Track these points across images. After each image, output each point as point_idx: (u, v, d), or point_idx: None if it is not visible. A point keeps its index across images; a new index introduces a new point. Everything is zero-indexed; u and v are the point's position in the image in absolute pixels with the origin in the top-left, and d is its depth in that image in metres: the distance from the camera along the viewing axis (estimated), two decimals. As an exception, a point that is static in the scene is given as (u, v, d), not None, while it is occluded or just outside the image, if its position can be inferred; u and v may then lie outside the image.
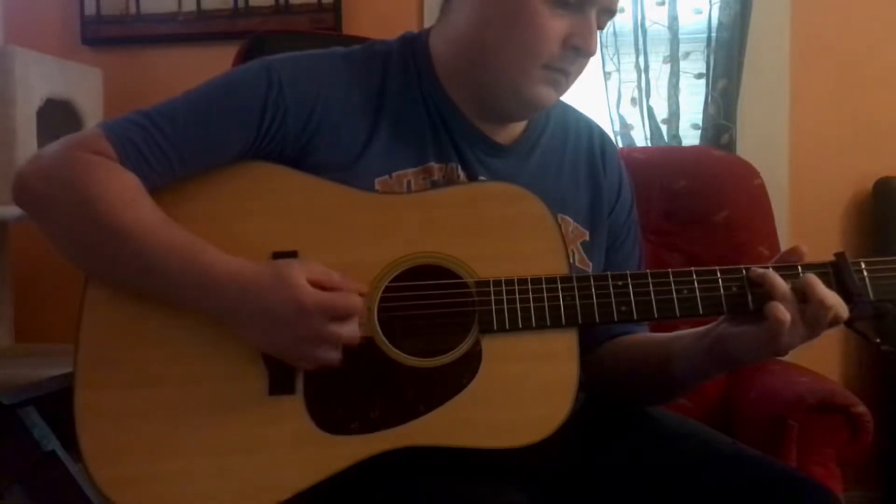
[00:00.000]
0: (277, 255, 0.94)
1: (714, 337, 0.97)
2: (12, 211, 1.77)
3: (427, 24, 1.17)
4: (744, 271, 0.94)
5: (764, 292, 0.92)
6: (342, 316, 0.88)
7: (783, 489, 0.94)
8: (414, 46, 1.07)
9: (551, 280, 0.94)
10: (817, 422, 1.36)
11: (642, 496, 0.99)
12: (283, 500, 0.89)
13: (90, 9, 2.31)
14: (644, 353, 1.07)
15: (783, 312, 0.90)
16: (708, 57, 2.07)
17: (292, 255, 0.94)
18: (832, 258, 0.95)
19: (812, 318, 0.91)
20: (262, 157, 0.98)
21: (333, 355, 0.89)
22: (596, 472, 1.02)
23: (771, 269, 0.93)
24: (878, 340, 0.95)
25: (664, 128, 2.11)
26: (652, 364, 1.05)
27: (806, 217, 2.09)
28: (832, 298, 0.91)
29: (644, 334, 1.12)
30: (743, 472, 0.96)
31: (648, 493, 0.98)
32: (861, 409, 1.35)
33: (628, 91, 2.12)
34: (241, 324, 0.90)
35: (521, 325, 0.93)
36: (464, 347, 0.93)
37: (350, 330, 0.88)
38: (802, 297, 0.91)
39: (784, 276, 0.93)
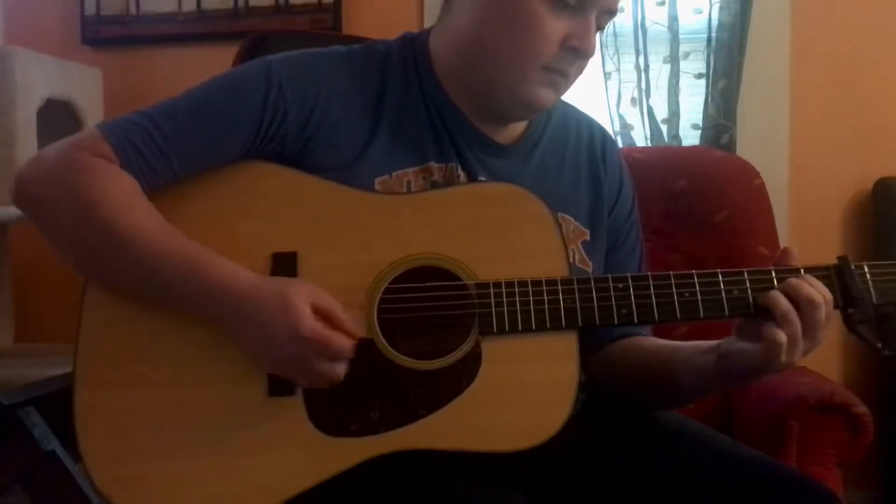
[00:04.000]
0: (277, 256, 0.94)
1: (721, 353, 0.96)
2: (12, 212, 1.76)
3: (427, 24, 1.17)
4: (745, 274, 0.94)
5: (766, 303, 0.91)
6: (333, 356, 0.87)
7: (783, 489, 0.94)
8: (414, 47, 1.07)
9: (551, 282, 0.94)
10: (817, 422, 1.37)
11: (643, 496, 0.98)
12: (282, 501, 0.89)
13: (90, 9, 2.32)
14: (648, 361, 1.07)
15: (780, 335, 0.89)
16: (708, 57, 2.07)
17: (292, 255, 0.94)
18: (835, 261, 0.95)
19: (809, 325, 0.90)
20: (262, 156, 0.98)
21: (317, 384, 0.89)
22: (596, 472, 1.02)
23: (776, 291, 0.91)
24: (879, 345, 0.94)
25: (664, 128, 2.11)
26: (656, 373, 1.04)
27: (806, 217, 2.09)
28: (818, 295, 0.90)
29: (647, 339, 1.12)
30: (743, 472, 0.96)
31: (649, 493, 0.98)
32: (861, 409, 1.35)
33: (628, 91, 2.12)
34: (235, 333, 0.90)
35: (520, 328, 0.92)
36: (464, 350, 0.92)
37: (337, 371, 0.88)
38: (797, 305, 0.90)
39: (782, 280, 0.92)
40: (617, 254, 1.14)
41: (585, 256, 1.09)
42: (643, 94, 2.10)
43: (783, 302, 0.90)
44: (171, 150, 0.94)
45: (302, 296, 0.87)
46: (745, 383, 0.99)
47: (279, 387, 0.91)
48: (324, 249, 0.94)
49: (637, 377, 1.07)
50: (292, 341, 0.86)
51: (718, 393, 1.05)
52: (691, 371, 1.00)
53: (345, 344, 0.87)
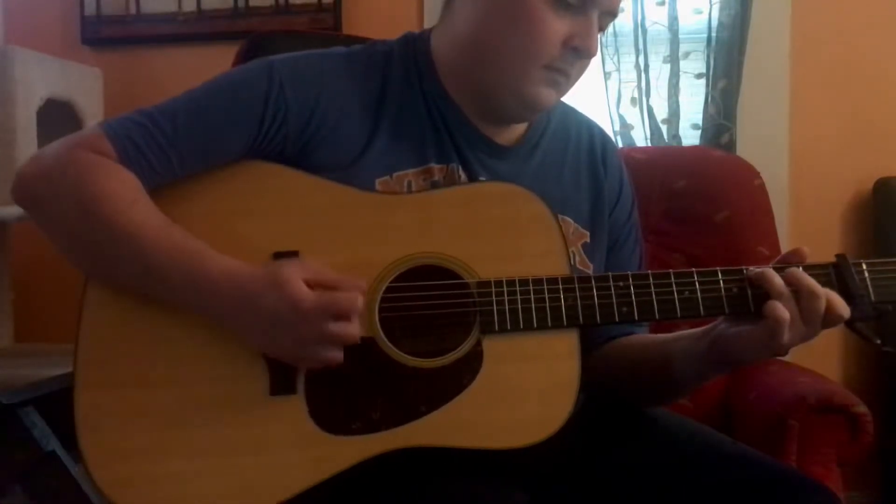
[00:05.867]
0: (278, 256, 0.94)
1: (713, 338, 0.97)
2: (12, 211, 1.77)
3: (427, 25, 1.17)
4: (744, 271, 0.94)
5: (763, 292, 0.92)
6: (342, 315, 0.87)
7: (783, 489, 0.94)
8: (415, 47, 1.07)
9: (552, 280, 0.94)
10: (817, 422, 1.36)
11: (643, 496, 0.99)
12: (284, 500, 0.89)
13: (90, 9, 2.31)
14: (643, 354, 1.07)
15: (782, 310, 0.90)
16: (708, 57, 2.07)
17: (293, 255, 0.94)
18: (833, 259, 0.95)
19: (808, 314, 0.91)
20: (262, 156, 0.98)
21: (335, 354, 0.88)
22: (597, 472, 1.02)
23: (769, 268, 0.93)
24: (878, 341, 0.95)
25: (664, 128, 2.11)
26: (651, 365, 1.05)
27: (806, 217, 2.09)
28: (822, 289, 0.91)
29: (641, 335, 1.12)
30: (743, 472, 0.96)
31: (649, 492, 0.98)
32: (861, 409, 1.35)
33: (628, 91, 2.12)
34: (241, 327, 0.90)
35: (522, 326, 0.93)
36: (465, 348, 0.93)
37: (351, 328, 0.88)
38: (797, 293, 0.91)
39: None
40: (616, 255, 1.14)
41: (586, 258, 1.09)
42: (643, 94, 2.10)
43: (779, 280, 0.91)
44: (171, 148, 0.94)
45: (293, 273, 0.87)
46: (739, 365, 1.00)
47: (280, 385, 0.91)
48: (324, 249, 0.94)
49: (633, 372, 1.08)
50: (297, 318, 0.86)
51: (713, 380, 1.05)
52: (687, 359, 1.00)
53: (352, 297, 0.87)
